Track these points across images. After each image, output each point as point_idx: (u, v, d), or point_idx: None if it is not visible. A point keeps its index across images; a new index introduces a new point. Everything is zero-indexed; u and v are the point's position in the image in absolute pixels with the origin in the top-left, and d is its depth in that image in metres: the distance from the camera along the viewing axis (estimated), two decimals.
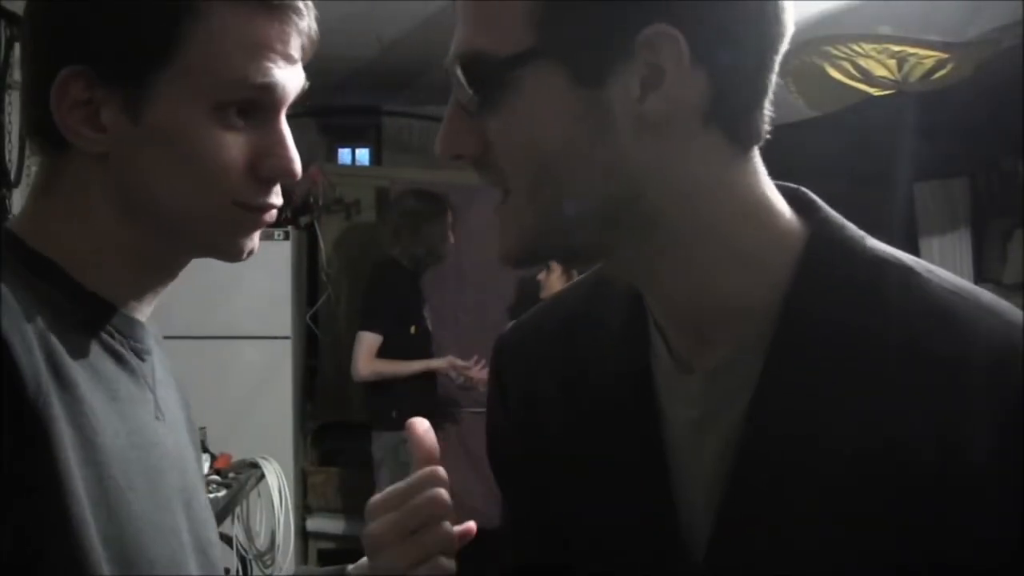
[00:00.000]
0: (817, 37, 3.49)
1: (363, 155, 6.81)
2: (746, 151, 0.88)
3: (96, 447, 0.93)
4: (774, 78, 0.88)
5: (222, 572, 1.12)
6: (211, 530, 1.12)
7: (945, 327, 0.83)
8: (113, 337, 1.02)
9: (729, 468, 0.88)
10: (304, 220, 5.73)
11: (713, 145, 0.86)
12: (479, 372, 4.87)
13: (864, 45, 3.55)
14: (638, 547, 0.94)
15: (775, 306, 0.87)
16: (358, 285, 5.33)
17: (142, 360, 1.06)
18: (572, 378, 1.02)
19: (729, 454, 0.88)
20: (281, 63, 1.00)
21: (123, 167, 0.99)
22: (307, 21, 1.03)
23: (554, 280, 4.82)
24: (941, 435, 0.79)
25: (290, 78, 1.02)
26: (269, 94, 1.00)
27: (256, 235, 1.07)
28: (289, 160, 1.03)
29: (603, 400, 0.98)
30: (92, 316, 1.00)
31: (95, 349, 0.99)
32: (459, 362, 4.91)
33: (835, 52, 3.59)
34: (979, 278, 5.76)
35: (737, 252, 0.88)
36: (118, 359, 1.02)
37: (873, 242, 0.91)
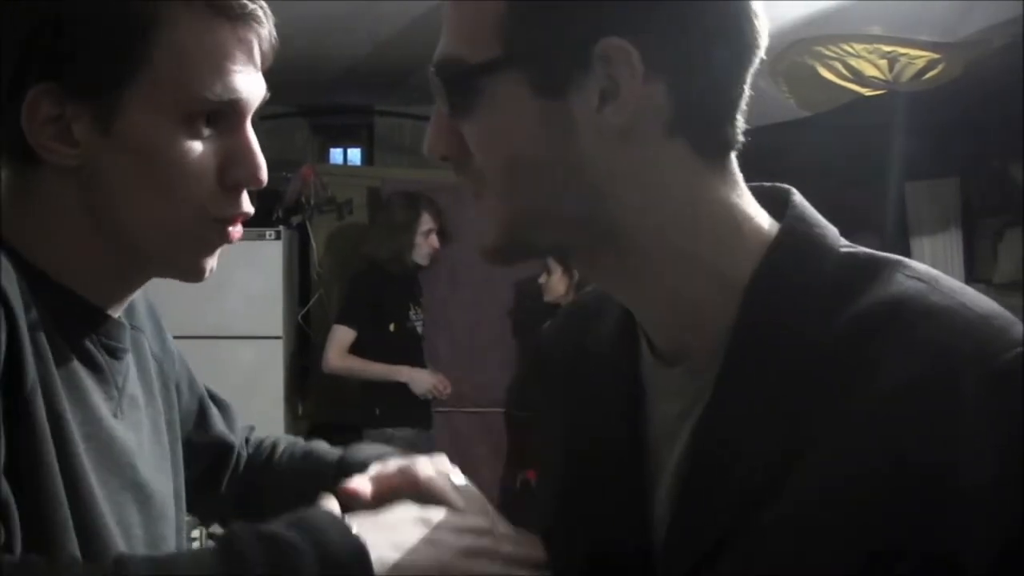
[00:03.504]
0: (808, 37, 3.50)
1: (355, 155, 6.81)
2: (716, 160, 0.90)
3: (66, 438, 0.95)
4: (746, 89, 0.89)
5: None
6: (168, 526, 1.13)
7: (902, 317, 0.82)
8: (83, 334, 1.03)
9: (683, 467, 0.91)
10: (295, 220, 5.73)
11: (678, 155, 0.88)
12: (445, 390, 4.92)
13: (855, 45, 3.56)
14: (611, 533, 0.96)
15: (736, 308, 0.89)
16: None
17: (116, 358, 1.07)
18: (580, 371, 1.06)
19: (688, 452, 0.90)
20: (245, 72, 1.02)
21: (95, 181, 1.00)
22: (267, 28, 1.05)
23: (555, 282, 4.82)
24: (890, 438, 0.78)
25: (254, 87, 1.04)
26: (235, 105, 1.02)
27: (216, 253, 1.08)
28: (257, 167, 1.04)
29: (599, 394, 1.01)
30: (67, 314, 1.01)
31: (64, 345, 1.00)
32: (439, 380, 4.94)
33: (826, 52, 3.59)
34: (970, 278, 5.76)
35: (698, 257, 0.90)
36: (84, 354, 1.03)
37: (849, 243, 0.91)
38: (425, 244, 4.93)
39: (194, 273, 1.08)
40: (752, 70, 0.89)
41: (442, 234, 5.01)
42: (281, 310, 5.40)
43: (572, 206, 0.88)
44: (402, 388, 4.81)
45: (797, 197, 0.95)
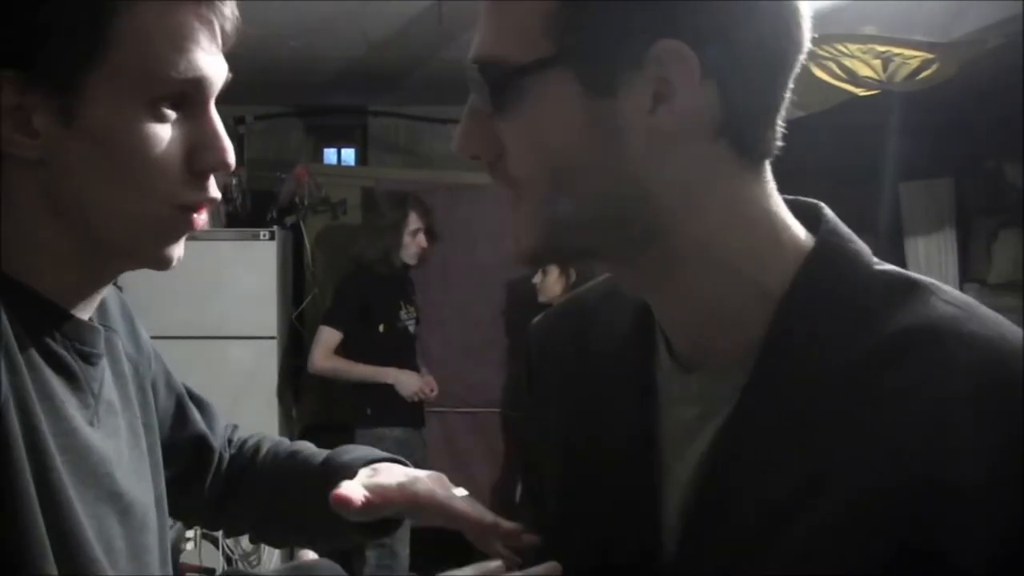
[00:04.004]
0: None
1: (349, 155, 6.81)
2: (755, 165, 0.89)
3: (42, 450, 0.92)
4: (787, 94, 0.88)
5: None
6: (150, 535, 1.10)
7: (938, 341, 0.82)
8: (55, 340, 1.00)
9: (702, 472, 0.90)
10: (290, 220, 5.73)
11: (722, 158, 0.87)
12: (431, 391, 4.93)
13: (849, 45, 3.56)
14: (619, 537, 0.95)
15: (769, 317, 0.88)
16: None
17: (90, 364, 1.04)
18: (582, 366, 1.05)
19: (709, 458, 0.89)
20: (208, 52, 0.99)
21: (58, 172, 0.96)
22: (229, 7, 1.02)
23: (551, 282, 4.82)
24: (914, 454, 0.78)
25: (218, 67, 1.01)
26: (199, 87, 0.99)
27: (183, 241, 1.05)
28: (224, 151, 1.02)
29: (606, 394, 1.00)
30: (37, 319, 0.98)
31: (34, 353, 0.96)
32: (426, 383, 4.93)
33: (820, 52, 3.59)
34: (964, 278, 5.77)
35: (736, 264, 0.89)
36: (57, 362, 0.99)
37: (880, 261, 0.91)
38: (413, 244, 4.92)
39: (162, 262, 1.04)
40: (794, 74, 0.88)
41: (430, 233, 5.01)
42: (275, 310, 5.38)
43: (613, 208, 0.87)
44: (394, 388, 4.81)
45: (829, 212, 0.94)
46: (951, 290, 0.88)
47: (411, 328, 4.99)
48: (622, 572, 0.95)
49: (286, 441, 1.47)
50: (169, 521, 1.21)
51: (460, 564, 1.02)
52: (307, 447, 1.42)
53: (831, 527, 0.81)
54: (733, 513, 0.86)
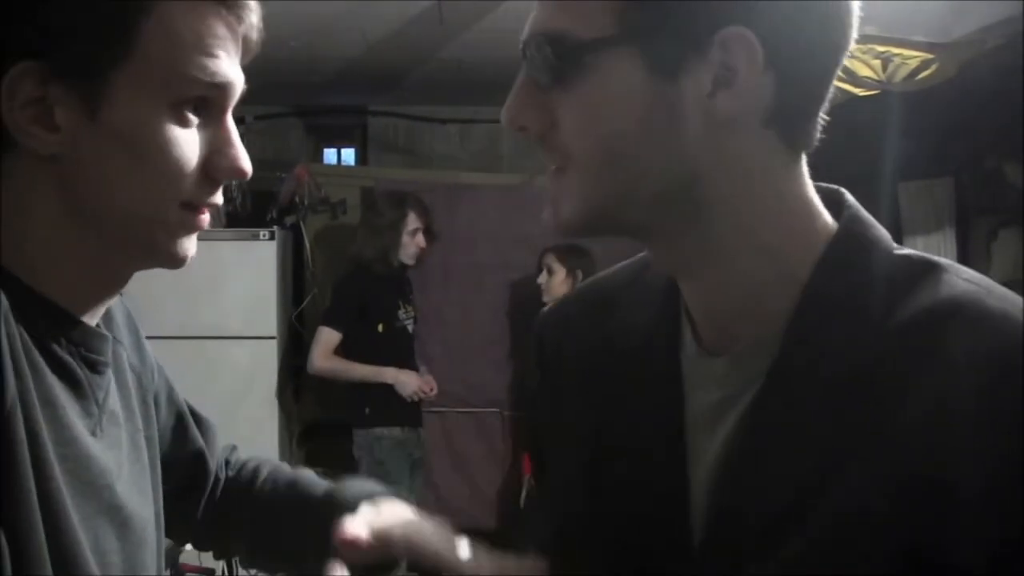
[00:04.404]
0: None
1: (349, 155, 6.81)
2: (797, 155, 0.92)
3: (42, 458, 0.90)
4: (832, 88, 0.91)
5: None
6: (147, 551, 1.08)
7: (964, 320, 0.83)
8: (61, 346, 0.98)
9: (729, 453, 0.91)
10: (289, 220, 5.72)
11: (769, 146, 0.89)
12: (430, 390, 4.93)
13: None
14: (650, 523, 0.96)
15: (794, 301, 0.90)
16: None
17: (97, 372, 1.02)
18: (604, 354, 1.06)
19: (735, 439, 0.91)
20: (231, 61, 0.99)
21: (75, 168, 0.95)
22: (256, 17, 1.02)
23: (557, 284, 4.83)
24: (945, 432, 0.79)
25: (239, 76, 1.01)
26: (222, 92, 0.99)
27: (194, 239, 1.04)
28: (240, 160, 1.02)
29: (632, 380, 1.01)
30: (43, 323, 0.96)
31: (38, 358, 0.94)
32: (425, 383, 4.93)
33: None
34: None
35: (773, 251, 0.91)
36: (61, 368, 0.98)
37: (900, 246, 0.93)
38: (412, 244, 4.93)
39: (174, 259, 1.02)
40: (840, 68, 0.90)
41: (429, 233, 5.02)
42: (275, 310, 5.38)
43: (661, 187, 0.88)
44: (392, 388, 4.81)
45: (850, 198, 0.96)
46: (970, 270, 0.90)
47: (409, 328, 5.00)
48: (652, 554, 0.95)
49: (286, 467, 1.45)
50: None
51: None
52: (307, 477, 1.39)
53: (857, 507, 0.81)
54: (758, 494, 0.87)
